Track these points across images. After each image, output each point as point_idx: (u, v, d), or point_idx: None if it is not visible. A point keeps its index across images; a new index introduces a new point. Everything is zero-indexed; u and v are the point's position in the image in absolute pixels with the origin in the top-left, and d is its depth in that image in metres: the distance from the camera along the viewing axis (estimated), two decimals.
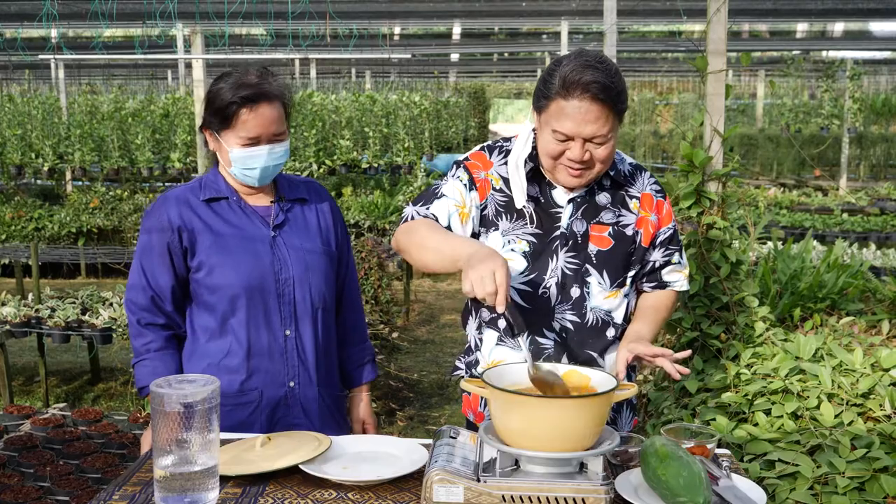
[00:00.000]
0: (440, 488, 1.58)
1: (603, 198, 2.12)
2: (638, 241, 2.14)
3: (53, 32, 11.06)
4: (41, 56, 9.88)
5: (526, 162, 2.08)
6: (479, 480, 1.59)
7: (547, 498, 1.56)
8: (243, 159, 2.16)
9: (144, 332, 2.18)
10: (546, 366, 1.80)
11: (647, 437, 1.83)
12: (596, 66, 1.91)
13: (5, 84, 14.08)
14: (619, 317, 2.14)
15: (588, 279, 2.09)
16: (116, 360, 6.30)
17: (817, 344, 3.21)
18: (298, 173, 9.74)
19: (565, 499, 1.56)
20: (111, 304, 5.56)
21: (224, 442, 1.87)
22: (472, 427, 2.18)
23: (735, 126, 4.43)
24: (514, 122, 32.46)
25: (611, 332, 2.13)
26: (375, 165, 11.21)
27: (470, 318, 2.25)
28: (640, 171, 2.18)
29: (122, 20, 8.84)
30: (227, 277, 2.15)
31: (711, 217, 3.52)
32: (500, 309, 1.73)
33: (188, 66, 11.27)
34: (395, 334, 6.32)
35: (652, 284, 2.21)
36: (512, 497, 1.57)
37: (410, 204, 2.14)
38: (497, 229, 2.10)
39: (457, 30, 13.81)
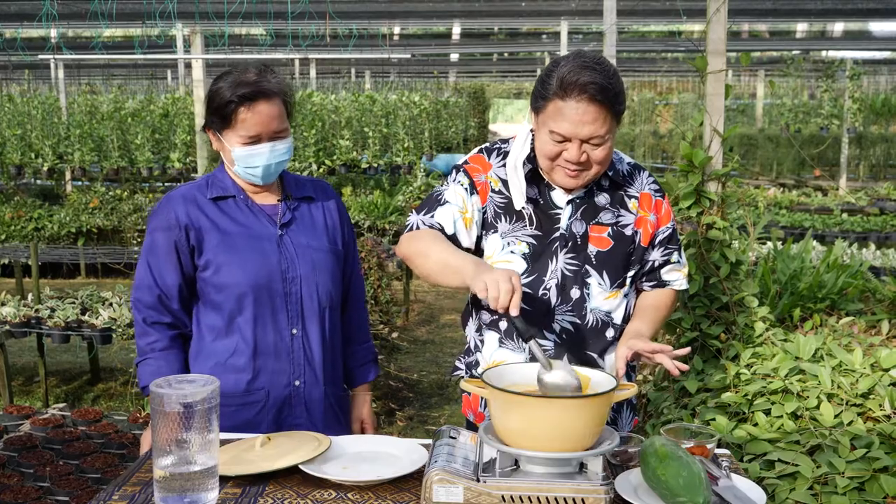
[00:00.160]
0: (440, 488, 1.58)
1: (602, 198, 2.12)
2: (637, 240, 2.14)
3: (53, 32, 11.06)
4: (41, 56, 9.90)
5: (524, 163, 2.08)
6: (478, 480, 1.59)
7: (547, 498, 1.56)
8: (245, 158, 2.16)
9: (150, 330, 2.18)
10: (559, 364, 1.73)
11: (647, 437, 1.83)
12: (593, 67, 1.91)
13: (5, 84, 14.05)
14: (618, 317, 2.14)
15: (588, 280, 2.09)
16: (116, 360, 6.30)
17: (817, 344, 3.21)
18: (298, 173, 9.72)
19: (565, 499, 1.56)
20: (111, 305, 5.55)
21: (224, 442, 1.87)
22: (472, 427, 2.18)
23: (735, 126, 4.42)
24: (514, 122, 32.47)
25: (610, 333, 2.13)
26: (375, 165, 11.22)
27: (470, 319, 2.25)
28: (638, 171, 2.18)
29: (121, 20, 8.84)
30: (234, 276, 2.15)
31: (711, 217, 3.52)
32: (514, 312, 1.73)
33: (188, 66, 11.28)
34: (394, 334, 6.32)
35: (651, 283, 2.21)
36: (512, 497, 1.57)
37: (414, 212, 2.14)
38: (496, 231, 2.10)
39: (456, 30, 13.81)
